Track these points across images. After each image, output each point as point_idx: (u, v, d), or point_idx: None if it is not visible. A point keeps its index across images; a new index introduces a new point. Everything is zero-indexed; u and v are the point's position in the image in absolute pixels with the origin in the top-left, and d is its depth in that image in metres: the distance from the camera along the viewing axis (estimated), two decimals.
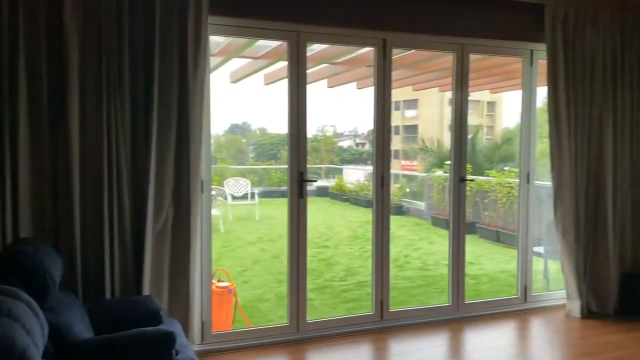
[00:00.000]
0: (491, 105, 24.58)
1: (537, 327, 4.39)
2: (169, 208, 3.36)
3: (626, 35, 4.53)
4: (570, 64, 4.35)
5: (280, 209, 12.56)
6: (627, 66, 4.54)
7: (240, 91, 23.56)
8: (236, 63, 6.60)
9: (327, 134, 23.35)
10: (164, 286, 3.39)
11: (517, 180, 4.83)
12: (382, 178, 4.19)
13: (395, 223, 9.29)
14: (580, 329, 4.21)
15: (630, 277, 4.58)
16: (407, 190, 12.95)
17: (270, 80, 7.00)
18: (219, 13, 3.46)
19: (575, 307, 4.45)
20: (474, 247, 8.10)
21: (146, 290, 3.28)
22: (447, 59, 4.63)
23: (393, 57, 4.11)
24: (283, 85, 4.02)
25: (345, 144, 26.87)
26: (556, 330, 4.27)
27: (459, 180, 4.40)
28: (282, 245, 8.47)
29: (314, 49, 5.22)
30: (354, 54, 5.67)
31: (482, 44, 4.36)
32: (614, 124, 4.49)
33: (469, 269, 4.51)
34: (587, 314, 4.47)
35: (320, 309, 5.19)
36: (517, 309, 4.61)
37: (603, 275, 4.51)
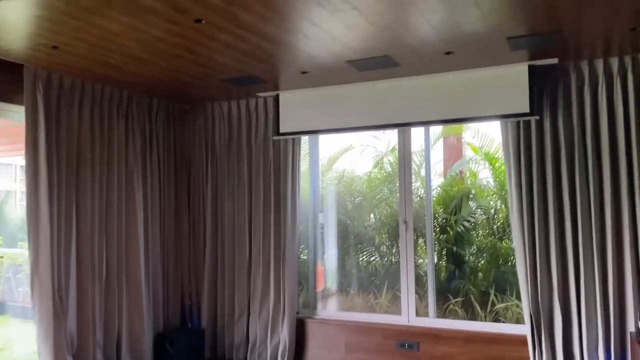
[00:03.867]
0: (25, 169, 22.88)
1: None
2: None
3: (153, 114, 5.13)
4: (53, 131, 4.16)
5: None
6: (155, 145, 5.13)
7: None
8: None
9: None
10: None
11: None
12: None
13: None
14: None
15: (162, 335, 5.08)
16: None
17: None
18: None
19: None
20: (4, 329, 7.22)
21: None
22: None
23: None
24: None
25: None
26: None
27: None
28: None
29: None
30: None
31: None
32: (144, 196, 4.94)
33: None
34: None
35: None
36: None
37: (138, 336, 4.79)
